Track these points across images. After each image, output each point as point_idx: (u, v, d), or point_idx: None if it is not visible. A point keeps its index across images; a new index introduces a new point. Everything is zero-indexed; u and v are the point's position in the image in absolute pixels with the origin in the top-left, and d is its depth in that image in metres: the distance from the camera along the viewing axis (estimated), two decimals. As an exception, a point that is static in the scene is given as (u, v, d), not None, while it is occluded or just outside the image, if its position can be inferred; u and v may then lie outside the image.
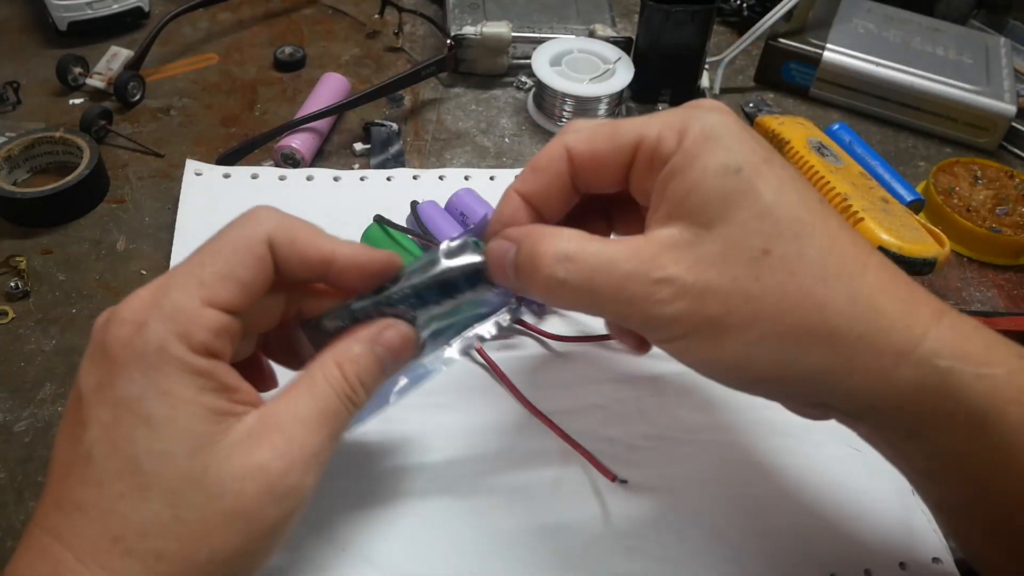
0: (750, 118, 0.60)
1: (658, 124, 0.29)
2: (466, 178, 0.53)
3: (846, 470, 0.39)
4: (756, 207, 0.27)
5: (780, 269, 0.26)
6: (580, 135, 0.30)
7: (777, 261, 0.26)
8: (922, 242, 0.47)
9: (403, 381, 0.33)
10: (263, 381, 0.33)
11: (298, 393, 0.28)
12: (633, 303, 0.27)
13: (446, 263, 0.31)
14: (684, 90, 0.61)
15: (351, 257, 0.30)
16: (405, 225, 0.45)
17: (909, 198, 0.53)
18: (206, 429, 0.26)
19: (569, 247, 0.28)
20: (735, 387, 0.29)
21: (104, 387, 0.26)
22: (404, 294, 0.31)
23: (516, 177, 0.32)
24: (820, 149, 0.54)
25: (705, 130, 0.28)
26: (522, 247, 0.29)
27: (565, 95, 0.56)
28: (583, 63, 0.58)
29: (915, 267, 0.46)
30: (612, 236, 0.34)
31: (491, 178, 0.53)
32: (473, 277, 0.31)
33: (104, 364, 0.26)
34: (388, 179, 0.52)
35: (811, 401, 0.29)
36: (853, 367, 0.27)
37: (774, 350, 0.27)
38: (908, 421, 0.27)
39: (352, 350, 0.29)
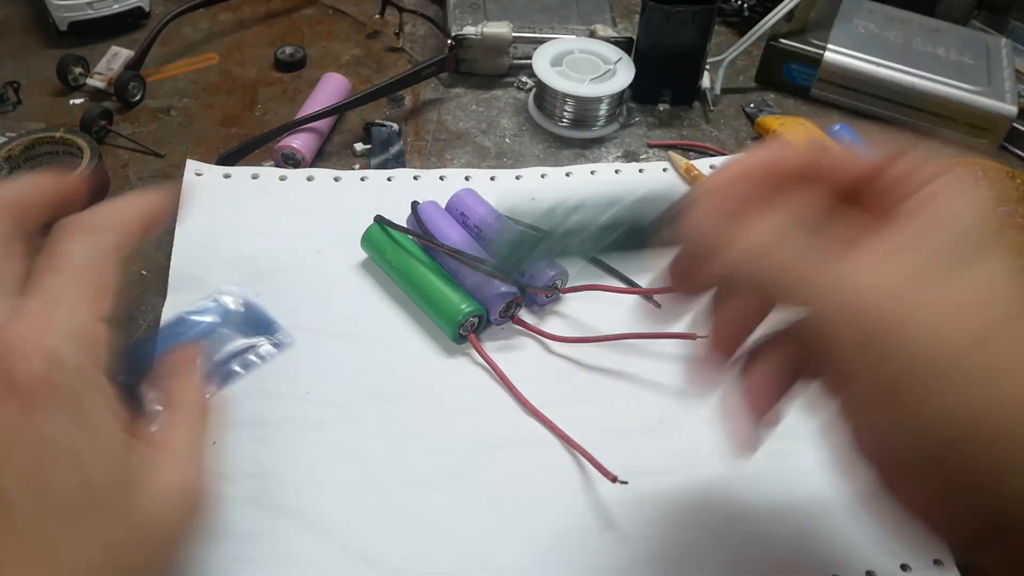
0: (751, 119, 0.60)
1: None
2: (467, 178, 0.53)
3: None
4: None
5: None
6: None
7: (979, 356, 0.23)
8: (923, 243, 0.47)
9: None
10: None
11: (181, 417, 0.29)
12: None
13: None
14: (685, 90, 0.61)
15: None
16: (405, 225, 0.45)
17: (910, 199, 0.53)
18: (122, 457, 0.26)
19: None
20: (884, 490, 0.26)
21: (18, 427, 0.24)
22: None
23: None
24: (821, 149, 0.54)
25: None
26: (744, 217, 0.26)
27: (566, 95, 0.56)
28: (584, 63, 0.58)
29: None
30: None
31: (492, 178, 0.53)
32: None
33: (13, 403, 0.24)
34: (389, 179, 0.52)
35: (972, 512, 0.24)
36: None
37: (941, 424, 0.23)
38: None
39: (187, 371, 0.32)
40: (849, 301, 0.24)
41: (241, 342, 0.41)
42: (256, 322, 0.42)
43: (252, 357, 0.41)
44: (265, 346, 0.41)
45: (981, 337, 0.23)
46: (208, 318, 0.42)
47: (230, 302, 0.43)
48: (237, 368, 0.40)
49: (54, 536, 0.24)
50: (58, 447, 0.24)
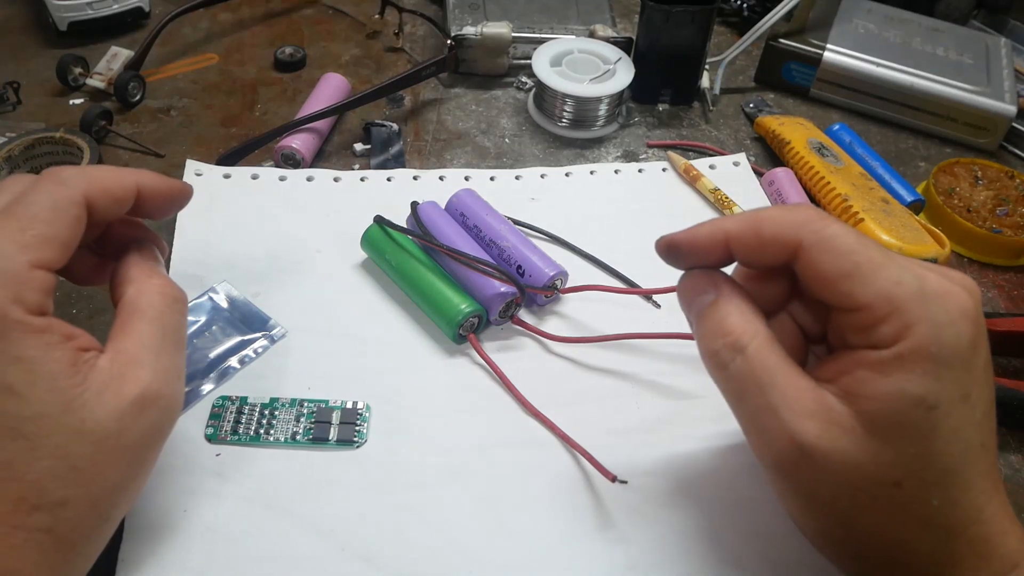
0: (750, 119, 0.61)
1: (890, 291, 0.26)
2: (466, 178, 0.53)
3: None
4: (922, 450, 0.27)
5: (897, 504, 0.27)
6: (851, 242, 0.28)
7: (901, 496, 0.27)
8: (922, 243, 0.48)
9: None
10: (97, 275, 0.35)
11: (135, 324, 0.30)
12: (762, 431, 0.29)
13: None
14: (684, 90, 0.61)
15: (153, 185, 0.32)
16: (405, 226, 0.45)
17: (909, 198, 0.53)
18: (68, 383, 0.27)
19: (750, 344, 0.28)
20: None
21: None
22: None
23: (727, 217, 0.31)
24: (820, 150, 0.54)
25: (927, 341, 0.26)
26: (717, 305, 0.30)
27: (565, 95, 0.56)
28: (583, 63, 0.58)
29: (915, 268, 0.46)
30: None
31: (491, 178, 0.53)
32: None
33: None
34: (388, 179, 0.52)
35: None
36: None
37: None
38: None
39: (147, 266, 0.32)
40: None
41: (237, 339, 0.41)
42: (250, 319, 0.42)
43: (249, 353, 0.41)
44: (261, 342, 0.41)
45: None
46: (202, 317, 0.42)
47: (223, 300, 0.43)
48: (235, 364, 0.40)
49: (12, 459, 0.26)
50: None
